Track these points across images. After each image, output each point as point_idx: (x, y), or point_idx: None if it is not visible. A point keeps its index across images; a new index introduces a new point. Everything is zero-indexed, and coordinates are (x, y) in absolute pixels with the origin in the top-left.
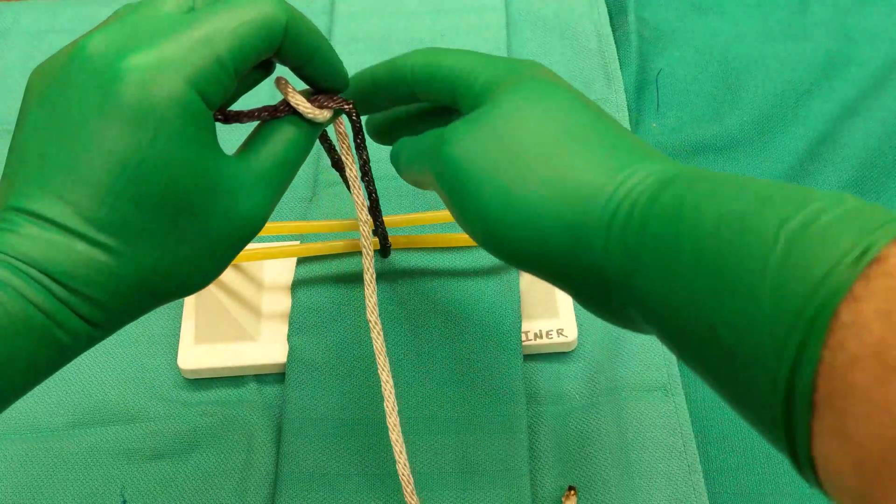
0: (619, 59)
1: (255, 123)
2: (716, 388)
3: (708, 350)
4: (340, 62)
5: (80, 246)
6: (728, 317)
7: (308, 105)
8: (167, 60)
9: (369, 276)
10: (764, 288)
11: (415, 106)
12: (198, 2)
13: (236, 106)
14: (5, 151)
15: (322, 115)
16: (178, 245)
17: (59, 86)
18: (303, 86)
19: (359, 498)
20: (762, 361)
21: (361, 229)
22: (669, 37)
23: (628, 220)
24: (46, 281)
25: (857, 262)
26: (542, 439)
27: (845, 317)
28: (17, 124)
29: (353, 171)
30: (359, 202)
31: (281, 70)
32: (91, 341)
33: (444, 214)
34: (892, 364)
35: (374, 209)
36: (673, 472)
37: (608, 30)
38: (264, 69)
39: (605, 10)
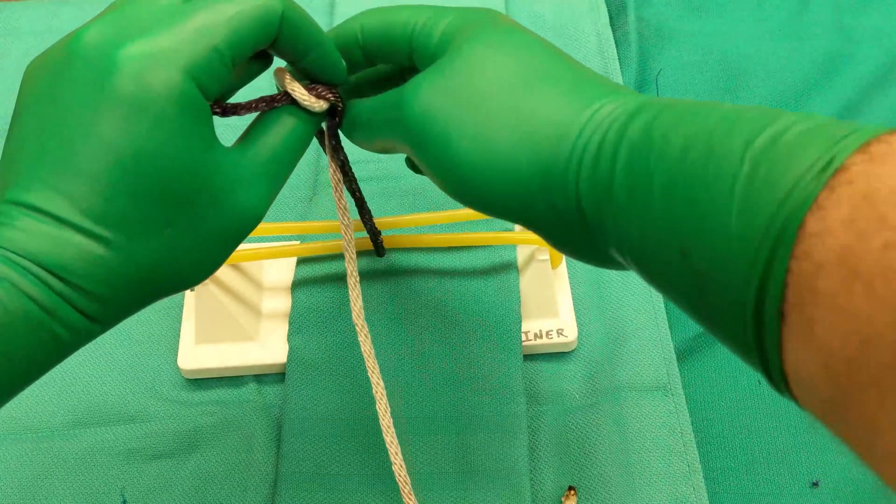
0: (619, 59)
1: (254, 117)
2: (690, 313)
3: (681, 275)
4: (339, 56)
5: (78, 239)
6: (698, 240)
7: (306, 93)
8: (163, 51)
9: (353, 281)
10: (732, 207)
11: (370, 71)
12: None
13: (234, 100)
14: None
15: (320, 104)
16: (177, 237)
17: (56, 78)
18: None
19: (358, 498)
20: (733, 279)
21: (344, 233)
22: (669, 37)
23: (598, 153)
24: (44, 275)
25: (821, 173)
26: (542, 439)
27: (811, 226)
28: (13, 117)
29: (337, 173)
30: (340, 205)
31: (280, 65)
32: (89, 336)
33: (444, 215)
34: (856, 269)
35: (361, 208)
36: (673, 472)
37: (608, 30)
38: (262, 61)
39: (605, 10)
